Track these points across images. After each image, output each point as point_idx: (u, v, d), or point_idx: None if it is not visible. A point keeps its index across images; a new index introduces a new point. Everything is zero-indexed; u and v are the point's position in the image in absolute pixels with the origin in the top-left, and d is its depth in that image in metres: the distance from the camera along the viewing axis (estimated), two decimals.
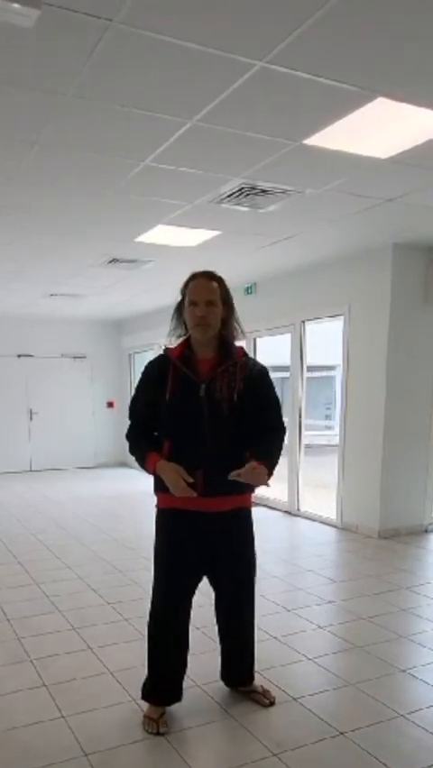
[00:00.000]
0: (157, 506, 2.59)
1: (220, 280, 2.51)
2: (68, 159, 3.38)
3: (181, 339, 2.56)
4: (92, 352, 10.83)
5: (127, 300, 8.50)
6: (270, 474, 2.45)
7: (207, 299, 2.44)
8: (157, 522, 2.59)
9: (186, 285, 2.52)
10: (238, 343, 2.61)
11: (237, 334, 2.57)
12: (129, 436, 2.61)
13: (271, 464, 2.46)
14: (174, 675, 2.63)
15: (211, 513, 2.48)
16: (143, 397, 2.58)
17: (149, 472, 2.52)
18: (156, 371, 2.55)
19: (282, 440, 2.61)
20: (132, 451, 2.59)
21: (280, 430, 2.61)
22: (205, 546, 2.54)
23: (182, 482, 2.38)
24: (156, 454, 2.47)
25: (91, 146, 3.22)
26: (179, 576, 2.56)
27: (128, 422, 2.64)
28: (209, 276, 2.50)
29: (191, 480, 2.38)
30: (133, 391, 2.70)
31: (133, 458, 2.59)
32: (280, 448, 2.58)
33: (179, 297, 2.54)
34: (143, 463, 2.51)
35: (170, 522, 2.54)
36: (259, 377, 2.56)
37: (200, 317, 2.43)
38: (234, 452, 2.47)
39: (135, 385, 2.68)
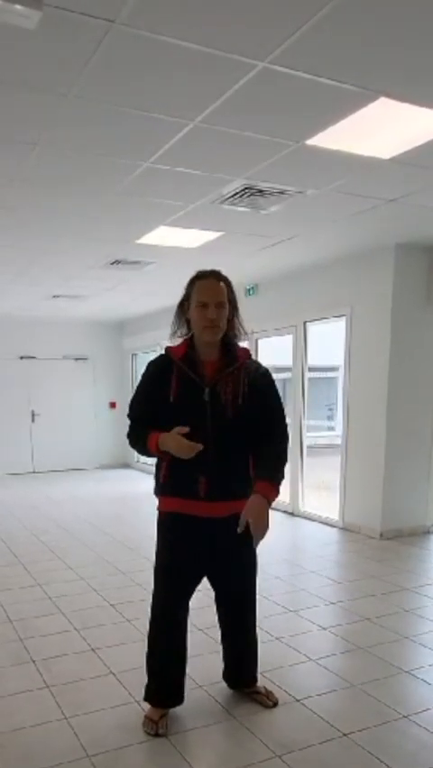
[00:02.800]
0: (158, 508, 2.56)
1: (227, 281, 2.48)
2: (69, 160, 3.38)
3: (183, 338, 2.52)
4: (94, 353, 10.84)
5: (129, 301, 8.50)
6: (277, 491, 2.40)
7: (217, 301, 2.40)
8: (158, 525, 2.57)
9: (192, 284, 2.47)
10: (242, 344, 2.58)
11: (240, 335, 2.55)
12: (131, 434, 2.54)
13: (276, 481, 2.41)
14: (174, 678, 2.61)
15: (212, 518, 2.45)
16: (145, 397, 2.52)
17: (153, 452, 2.42)
18: (159, 371, 2.49)
19: (286, 451, 2.52)
20: (133, 444, 2.52)
21: (284, 440, 2.53)
22: (205, 550, 2.51)
23: (186, 442, 2.31)
24: (156, 433, 2.38)
25: (92, 148, 3.22)
26: (179, 580, 2.54)
27: (128, 422, 2.58)
28: (217, 276, 2.46)
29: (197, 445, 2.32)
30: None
31: (137, 453, 2.57)
32: (284, 461, 2.48)
33: (182, 296, 2.50)
34: (146, 446, 2.43)
35: (171, 526, 2.52)
36: (264, 382, 2.51)
37: (211, 320, 2.39)
38: (238, 458, 2.46)
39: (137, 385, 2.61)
